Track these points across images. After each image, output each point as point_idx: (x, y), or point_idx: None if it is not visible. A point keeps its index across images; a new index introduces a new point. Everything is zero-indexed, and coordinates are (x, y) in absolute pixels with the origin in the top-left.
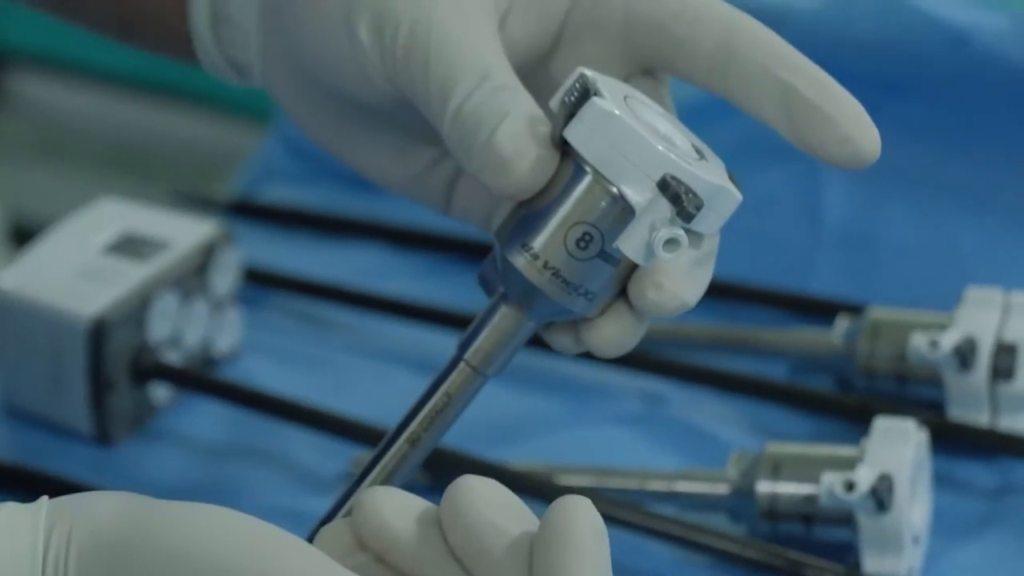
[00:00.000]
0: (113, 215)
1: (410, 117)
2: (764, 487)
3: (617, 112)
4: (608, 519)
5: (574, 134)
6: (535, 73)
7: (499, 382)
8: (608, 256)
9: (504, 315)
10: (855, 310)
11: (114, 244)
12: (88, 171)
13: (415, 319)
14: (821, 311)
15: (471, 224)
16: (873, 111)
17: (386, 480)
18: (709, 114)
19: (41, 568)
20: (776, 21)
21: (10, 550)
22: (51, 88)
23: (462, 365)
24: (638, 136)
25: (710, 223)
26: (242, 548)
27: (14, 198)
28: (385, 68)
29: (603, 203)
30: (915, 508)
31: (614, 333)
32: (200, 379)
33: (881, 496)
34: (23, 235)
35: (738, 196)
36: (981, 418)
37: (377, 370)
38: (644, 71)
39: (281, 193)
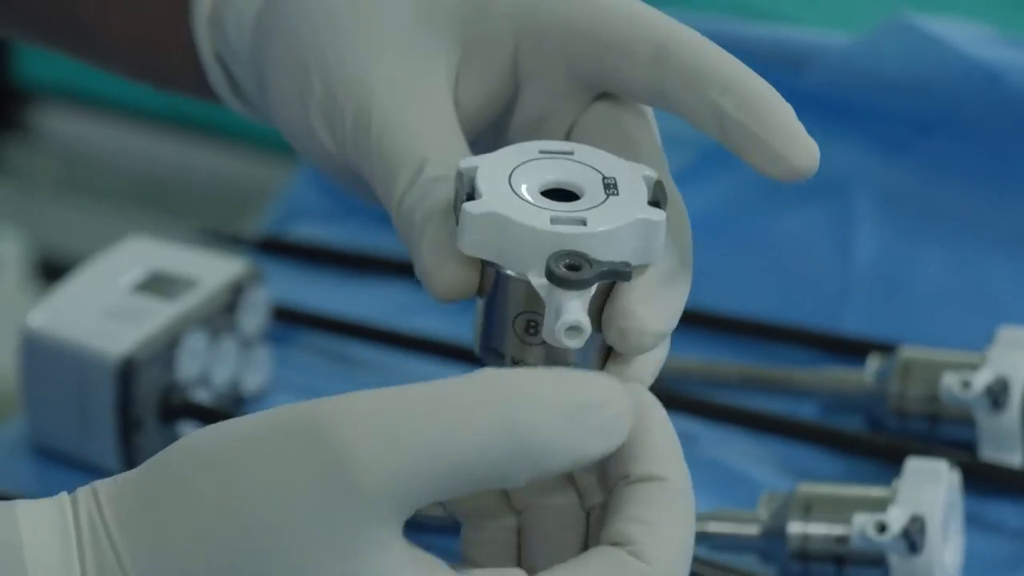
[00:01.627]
0: (142, 253)
1: None
2: (795, 528)
3: (487, 210)
4: None
5: (466, 243)
6: (502, 121)
7: None
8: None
9: None
10: (887, 349)
11: (143, 283)
12: (114, 206)
13: (442, 356)
14: (853, 351)
15: None
16: (904, 150)
17: None
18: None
19: (73, 524)
20: (807, 59)
21: (37, 515)
22: (77, 123)
23: None
24: (516, 225)
25: (641, 255)
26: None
27: (40, 233)
28: (341, 155)
29: (522, 291)
30: (947, 549)
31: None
32: (229, 417)
33: (913, 537)
34: (49, 270)
35: (656, 219)
36: (1014, 458)
37: None
38: (603, 96)
39: (308, 230)
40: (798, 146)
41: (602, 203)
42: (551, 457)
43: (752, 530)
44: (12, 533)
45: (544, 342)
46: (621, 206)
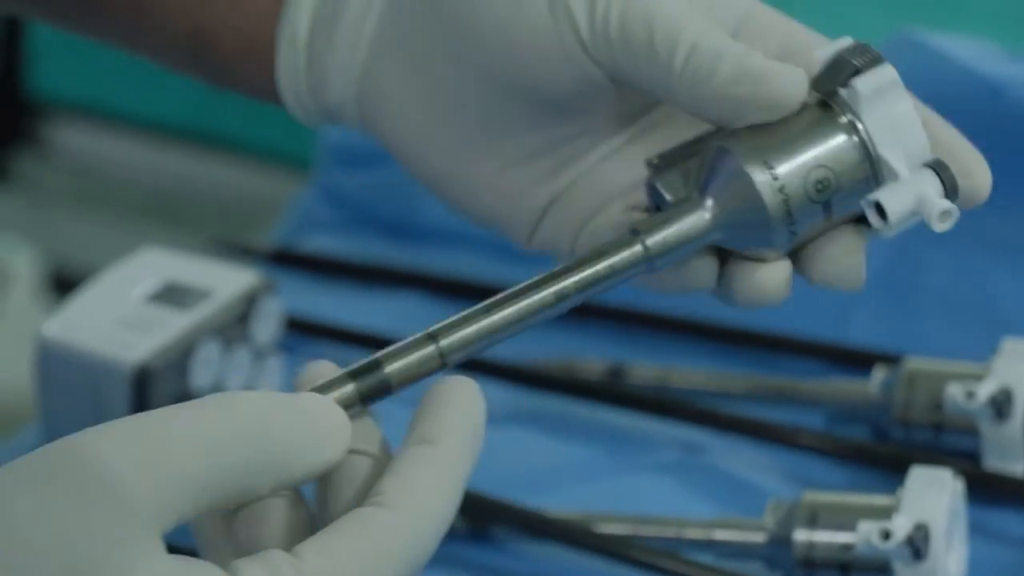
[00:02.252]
0: (156, 264)
1: (581, 102)
2: (801, 535)
3: (905, 87)
4: (645, 567)
5: (858, 88)
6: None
7: (540, 430)
8: (830, 208)
9: (699, 218)
10: (892, 361)
11: (157, 293)
12: (126, 219)
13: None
14: (858, 362)
15: (553, 252)
16: None
17: (520, 321)
18: None
19: None
20: None
21: None
22: (89, 136)
23: (638, 246)
24: (914, 119)
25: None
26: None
27: (52, 246)
28: (595, 41)
29: (857, 160)
30: (951, 557)
31: (778, 282)
32: None
33: (917, 545)
34: (62, 283)
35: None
36: (1017, 468)
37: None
38: None
39: (321, 242)
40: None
41: None
42: (288, 466)
43: (758, 538)
44: None
45: (819, 203)
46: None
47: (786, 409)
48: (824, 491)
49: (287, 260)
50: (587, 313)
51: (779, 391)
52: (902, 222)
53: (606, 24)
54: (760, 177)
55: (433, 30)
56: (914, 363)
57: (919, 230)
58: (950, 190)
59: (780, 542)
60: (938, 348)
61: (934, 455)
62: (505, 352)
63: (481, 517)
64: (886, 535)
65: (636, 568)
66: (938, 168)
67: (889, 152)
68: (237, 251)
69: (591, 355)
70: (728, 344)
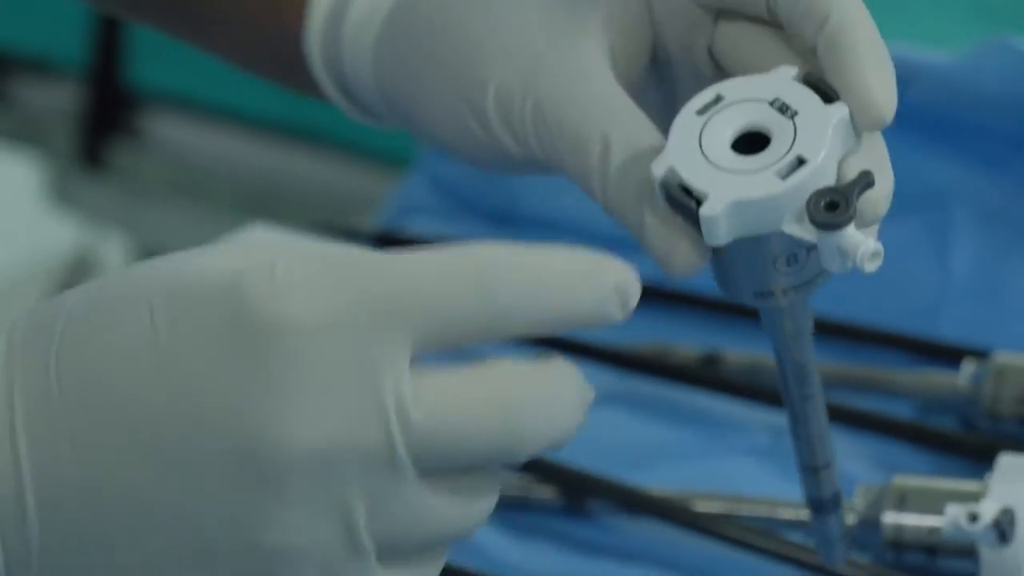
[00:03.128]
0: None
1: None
2: (890, 518)
3: (723, 206)
4: (741, 544)
5: (717, 238)
6: (649, 72)
7: (635, 412)
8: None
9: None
10: (981, 355)
11: None
12: (219, 211)
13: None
14: (947, 355)
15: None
16: (1002, 165)
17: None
18: None
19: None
20: (912, 75)
21: None
22: (185, 129)
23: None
24: (756, 201)
25: (851, 144)
26: None
27: (147, 236)
28: (518, 146)
29: (779, 242)
30: None
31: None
32: None
33: (1003, 528)
34: None
35: (844, 112)
36: None
37: None
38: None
39: (424, 227)
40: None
41: (795, 129)
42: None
43: (849, 519)
44: None
45: (806, 258)
46: (811, 120)
47: (876, 398)
48: (913, 475)
49: (391, 243)
50: (682, 301)
51: (869, 380)
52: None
53: (524, 135)
54: (766, 305)
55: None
56: (1003, 357)
57: (1009, 232)
58: (834, 223)
59: (869, 524)
60: None
61: (1022, 444)
62: (603, 336)
63: (579, 492)
64: (973, 518)
65: (731, 545)
66: (816, 214)
67: (787, 223)
68: (341, 233)
69: (686, 341)
70: (820, 334)
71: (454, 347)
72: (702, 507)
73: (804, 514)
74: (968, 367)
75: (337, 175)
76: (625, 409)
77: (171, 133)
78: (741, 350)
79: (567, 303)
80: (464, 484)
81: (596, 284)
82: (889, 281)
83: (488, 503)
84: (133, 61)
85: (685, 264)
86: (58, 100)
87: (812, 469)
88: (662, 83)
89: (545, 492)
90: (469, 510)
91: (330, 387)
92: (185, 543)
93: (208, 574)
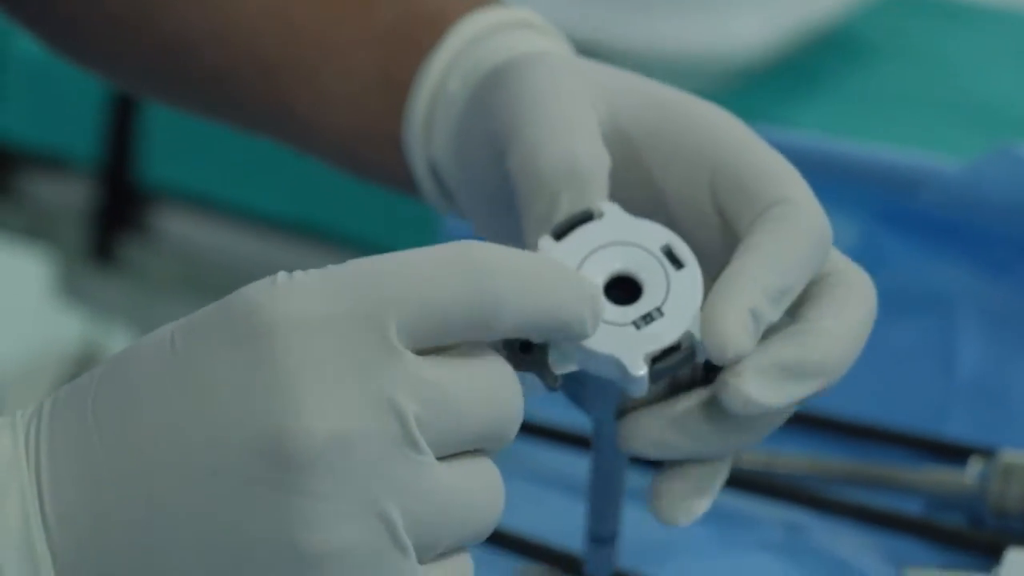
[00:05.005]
0: None
1: None
2: None
3: (559, 375)
4: None
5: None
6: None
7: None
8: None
9: None
10: (987, 453)
11: None
12: None
13: (567, 444)
14: (954, 454)
15: None
16: (1007, 270)
17: None
18: None
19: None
20: (920, 182)
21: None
22: (195, 225)
23: None
24: (589, 353)
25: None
26: None
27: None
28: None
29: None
30: None
31: None
32: None
33: None
34: None
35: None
36: None
37: (530, 493)
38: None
39: None
40: None
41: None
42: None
43: None
44: None
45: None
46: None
47: (884, 495)
48: (926, 568)
49: None
50: None
51: (878, 478)
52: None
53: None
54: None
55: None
56: (1010, 456)
57: (1014, 335)
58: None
59: None
60: None
61: None
62: None
63: None
64: None
65: None
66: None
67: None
68: None
69: None
70: (830, 432)
71: (446, 338)
72: None
73: None
74: (975, 465)
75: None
76: (643, 503)
77: (181, 229)
78: (755, 449)
79: (552, 302)
80: (477, 466)
81: (579, 289)
82: (897, 381)
83: (500, 484)
84: (144, 158)
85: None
86: (69, 196)
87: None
88: None
89: None
90: (488, 493)
91: (336, 378)
92: (228, 555)
93: None
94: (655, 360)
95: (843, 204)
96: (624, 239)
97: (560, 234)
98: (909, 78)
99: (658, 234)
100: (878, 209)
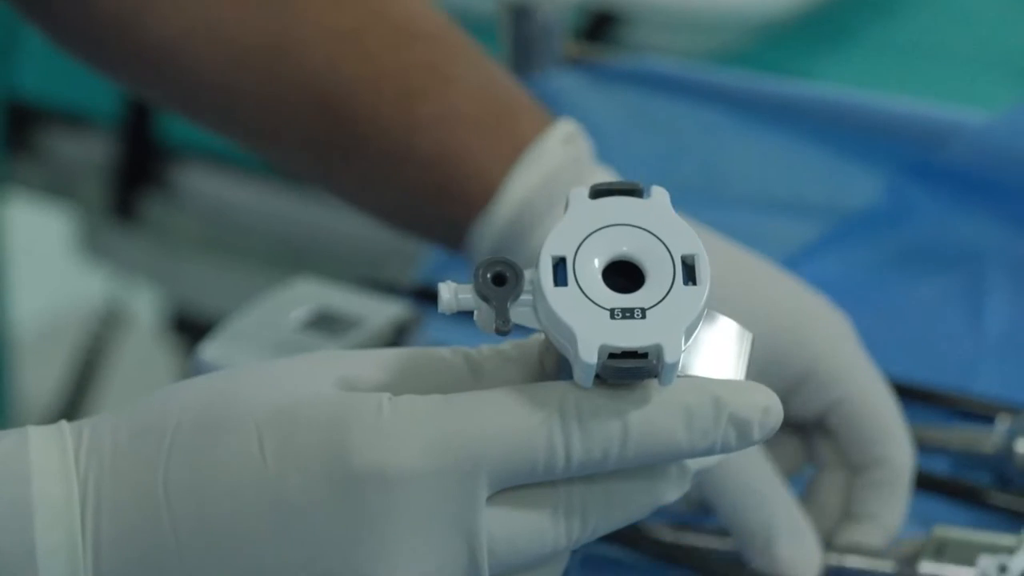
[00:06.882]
0: (309, 293)
1: None
2: (927, 568)
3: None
4: None
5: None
6: None
7: None
8: None
9: None
10: (1015, 412)
11: (310, 321)
12: (252, 265)
13: None
14: (982, 411)
15: None
16: None
17: None
18: (874, 224)
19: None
20: (947, 135)
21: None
22: (217, 182)
23: None
24: (552, 315)
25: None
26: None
27: (178, 290)
28: None
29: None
30: None
31: None
32: None
33: None
34: (186, 326)
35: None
36: None
37: None
38: None
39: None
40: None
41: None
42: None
43: (886, 567)
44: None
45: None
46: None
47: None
48: (954, 526)
49: (430, 297)
50: None
51: None
52: None
53: None
54: None
55: None
56: None
57: None
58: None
59: (906, 573)
60: None
61: None
62: None
63: None
64: (1003, 569)
65: None
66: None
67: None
68: (380, 288)
69: None
70: None
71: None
72: None
73: (846, 560)
74: (1002, 423)
75: (369, 229)
76: None
77: (203, 186)
78: None
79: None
80: None
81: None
82: (924, 339)
83: None
84: (165, 114)
85: None
86: (91, 153)
87: None
88: None
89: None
90: None
91: (425, 530)
92: None
93: None
94: (612, 356)
95: (870, 157)
96: (652, 228)
97: (597, 195)
98: (937, 31)
99: (689, 241)
100: (905, 162)
